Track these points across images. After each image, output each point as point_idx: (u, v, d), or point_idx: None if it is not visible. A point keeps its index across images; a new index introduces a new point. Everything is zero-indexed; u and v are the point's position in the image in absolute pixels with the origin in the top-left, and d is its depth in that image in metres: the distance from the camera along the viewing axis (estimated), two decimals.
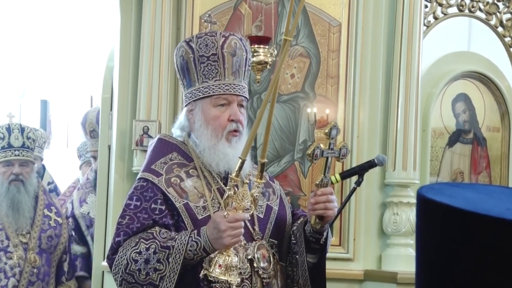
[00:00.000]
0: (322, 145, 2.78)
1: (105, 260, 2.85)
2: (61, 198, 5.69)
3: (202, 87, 2.79)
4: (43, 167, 5.88)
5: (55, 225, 4.64)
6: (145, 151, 4.05)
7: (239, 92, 2.79)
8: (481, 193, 1.18)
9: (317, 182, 2.78)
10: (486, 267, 1.09)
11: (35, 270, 4.46)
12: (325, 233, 2.80)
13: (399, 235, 4.18)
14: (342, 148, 2.80)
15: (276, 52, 3.78)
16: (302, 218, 2.88)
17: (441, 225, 1.13)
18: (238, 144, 2.73)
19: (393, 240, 4.22)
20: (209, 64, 2.77)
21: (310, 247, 2.79)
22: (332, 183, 3.02)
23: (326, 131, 2.77)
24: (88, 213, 5.02)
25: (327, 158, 2.77)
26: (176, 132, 2.91)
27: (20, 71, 8.89)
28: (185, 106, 2.86)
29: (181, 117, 2.89)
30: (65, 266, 4.68)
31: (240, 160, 2.56)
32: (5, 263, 4.39)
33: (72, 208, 5.04)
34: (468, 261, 1.10)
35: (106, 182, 4.46)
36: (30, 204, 4.53)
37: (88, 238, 4.99)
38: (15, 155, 4.52)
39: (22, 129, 4.59)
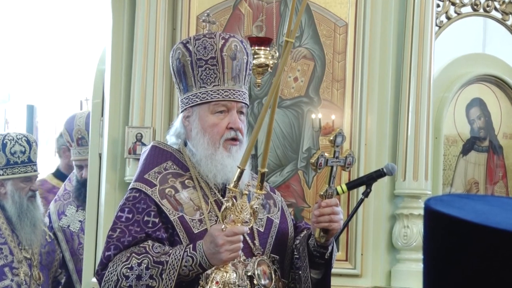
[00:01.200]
0: (326, 154, 2.78)
1: (94, 275, 2.85)
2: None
3: (200, 92, 2.79)
4: None
5: (50, 240, 4.66)
6: (139, 159, 4.06)
7: (239, 98, 2.79)
8: (493, 205, 1.18)
9: (322, 193, 2.78)
10: (497, 282, 1.10)
11: None
12: (330, 247, 2.79)
13: (410, 249, 4.18)
14: (347, 156, 2.79)
15: (278, 54, 3.78)
16: (305, 231, 2.87)
17: (450, 238, 1.13)
18: (237, 154, 2.73)
19: (403, 255, 4.21)
20: (207, 68, 2.77)
21: (314, 262, 2.79)
22: (338, 193, 3.01)
23: (331, 138, 2.76)
24: (68, 226, 4.99)
25: (332, 167, 2.77)
26: (171, 139, 2.91)
27: (5, 74, 8.89)
28: (181, 112, 2.86)
29: (177, 123, 2.89)
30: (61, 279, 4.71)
31: (239, 170, 2.56)
32: (12, 280, 4.39)
33: (50, 222, 5.00)
34: (478, 275, 1.11)
35: (96, 192, 4.45)
36: (42, 219, 4.60)
37: (67, 254, 4.94)
38: (34, 171, 4.61)
39: (36, 143, 4.66)
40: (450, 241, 1.13)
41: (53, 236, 4.71)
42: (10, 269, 4.41)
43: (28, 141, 4.59)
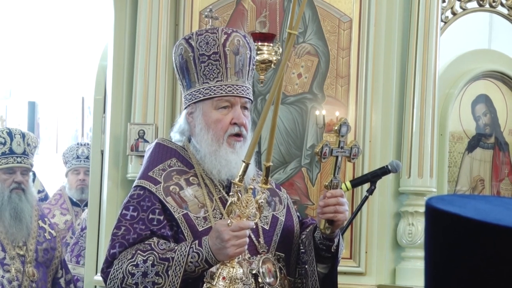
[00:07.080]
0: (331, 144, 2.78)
1: (99, 274, 2.86)
2: (46, 207, 5.71)
3: (203, 88, 2.80)
4: (34, 175, 5.90)
5: (50, 237, 4.64)
6: (141, 156, 4.08)
7: (243, 94, 2.80)
8: (494, 205, 1.19)
9: (326, 183, 2.77)
10: (498, 279, 1.11)
11: (33, 285, 4.46)
12: (336, 240, 2.80)
13: (415, 247, 4.19)
14: (353, 147, 2.79)
15: (281, 50, 3.79)
16: (311, 227, 2.88)
17: (451, 235, 1.15)
18: (241, 150, 2.73)
19: (408, 253, 4.23)
20: (210, 64, 2.78)
21: (320, 255, 2.79)
22: None
23: (336, 128, 2.76)
24: None
25: (336, 157, 2.76)
26: (175, 136, 2.92)
27: (6, 70, 8.91)
28: (185, 108, 2.87)
29: (181, 120, 2.90)
30: (62, 282, 4.68)
31: (244, 164, 2.56)
32: (2, 276, 4.39)
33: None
34: (479, 272, 1.12)
35: (98, 190, 4.47)
36: (31, 214, 4.56)
37: None
38: (17, 162, 4.56)
39: (23, 135, 4.62)
40: (451, 238, 1.14)
41: (55, 234, 4.71)
42: (1, 265, 4.40)
43: (10, 133, 4.58)
